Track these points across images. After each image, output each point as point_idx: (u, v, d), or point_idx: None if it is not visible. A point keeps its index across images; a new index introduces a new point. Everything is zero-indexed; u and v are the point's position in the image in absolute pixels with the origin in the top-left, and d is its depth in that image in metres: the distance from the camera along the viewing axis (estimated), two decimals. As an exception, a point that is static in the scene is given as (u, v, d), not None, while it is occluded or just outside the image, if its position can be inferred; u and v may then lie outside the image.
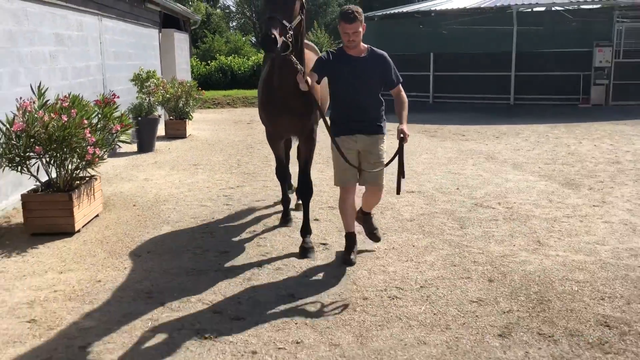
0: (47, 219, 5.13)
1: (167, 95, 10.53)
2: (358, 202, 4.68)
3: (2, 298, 3.90)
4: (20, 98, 5.10)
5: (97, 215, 5.76)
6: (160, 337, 3.35)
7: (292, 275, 4.31)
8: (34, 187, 5.45)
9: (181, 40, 15.56)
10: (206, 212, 6.04)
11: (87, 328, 3.47)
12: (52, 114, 5.04)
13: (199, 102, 11.93)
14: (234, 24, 51.16)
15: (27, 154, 5.04)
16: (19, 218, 5.76)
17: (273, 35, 3.82)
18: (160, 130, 10.98)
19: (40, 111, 5.06)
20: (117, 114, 5.68)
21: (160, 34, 13.79)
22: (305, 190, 4.90)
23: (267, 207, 6.24)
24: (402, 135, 4.12)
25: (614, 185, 7.23)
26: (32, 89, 5.30)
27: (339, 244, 4.96)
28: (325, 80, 4.47)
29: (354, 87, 4.28)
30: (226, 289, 4.02)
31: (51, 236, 5.12)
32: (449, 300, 3.87)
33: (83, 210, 5.36)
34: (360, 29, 4.22)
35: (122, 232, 5.34)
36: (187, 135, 11.55)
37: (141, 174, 8.09)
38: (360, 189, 4.60)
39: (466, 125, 13.31)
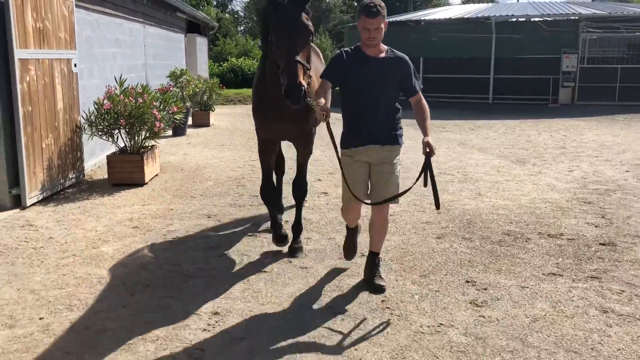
0: (125, 173, 6.91)
1: (197, 89, 12.29)
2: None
3: (110, 217, 5.70)
4: (107, 85, 6.90)
5: (156, 175, 7.55)
6: (220, 234, 5.14)
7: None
8: (114, 151, 7.24)
9: (201, 44, 17.36)
10: (237, 174, 7.84)
11: (172, 230, 5.27)
12: (129, 98, 6.83)
13: (220, 97, 13.69)
14: (242, 27, 52.97)
15: (113, 126, 6.82)
16: (99, 174, 7.59)
17: (303, 86, 3.42)
18: (190, 120, 12.75)
19: (121, 95, 6.85)
20: (173, 99, 7.47)
21: (186, 38, 15.60)
22: (299, 191, 4.65)
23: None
24: (428, 150, 3.55)
25: (553, 162, 9.01)
26: (115, 80, 7.09)
27: (336, 193, 6.74)
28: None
29: (370, 91, 3.70)
30: (260, 216, 5.81)
31: (127, 186, 6.91)
32: (407, 221, 5.66)
33: (149, 169, 7.15)
34: (382, 25, 3.66)
35: (178, 184, 7.14)
36: (210, 124, 13.32)
37: (180, 150, 9.87)
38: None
39: (447, 120, 15.06)
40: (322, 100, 3.55)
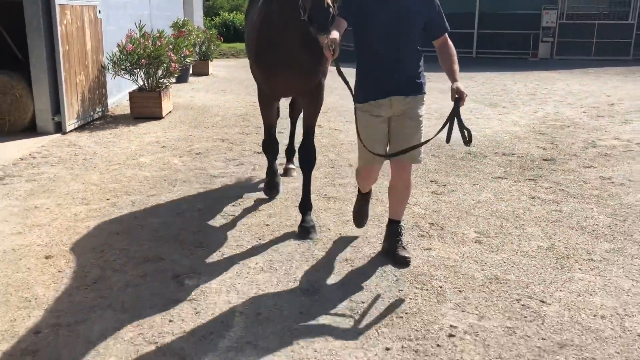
0: (145, 107, 8.03)
1: (198, 39, 13.24)
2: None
3: (139, 140, 6.86)
4: (130, 30, 7.95)
5: (170, 111, 8.67)
6: (234, 151, 6.34)
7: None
8: (134, 89, 8.35)
9: (197, -4, 18.12)
10: (241, 112, 8.98)
11: (195, 149, 6.45)
12: (148, 41, 7.89)
13: (218, 47, 14.63)
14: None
15: (135, 66, 7.89)
16: (118, 111, 8.71)
17: (331, 9, 2.93)
18: (190, 69, 13.72)
19: (141, 39, 7.91)
20: (184, 44, 8.53)
21: (183, -10, 16.37)
22: (308, 159, 4.12)
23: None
24: (457, 96, 3.27)
25: (521, 106, 10.22)
26: (135, 25, 8.12)
27: (329, 126, 7.92)
28: None
29: (391, 33, 3.28)
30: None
31: (147, 119, 8.04)
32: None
33: (165, 105, 8.28)
34: None
35: (191, 118, 8.29)
36: (209, 74, 14.32)
37: (186, 94, 10.96)
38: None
39: (432, 72, 16.11)
40: (336, 33, 3.07)
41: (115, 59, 7.91)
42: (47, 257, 3.63)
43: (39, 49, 6.69)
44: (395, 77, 3.36)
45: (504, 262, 3.68)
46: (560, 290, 3.31)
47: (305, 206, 4.14)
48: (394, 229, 3.70)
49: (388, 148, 3.49)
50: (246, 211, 4.52)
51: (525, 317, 3.02)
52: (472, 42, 19.48)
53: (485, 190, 5.18)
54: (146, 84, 8.19)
